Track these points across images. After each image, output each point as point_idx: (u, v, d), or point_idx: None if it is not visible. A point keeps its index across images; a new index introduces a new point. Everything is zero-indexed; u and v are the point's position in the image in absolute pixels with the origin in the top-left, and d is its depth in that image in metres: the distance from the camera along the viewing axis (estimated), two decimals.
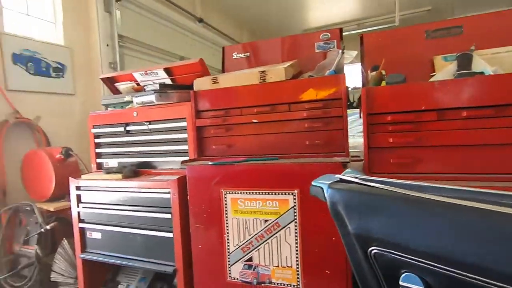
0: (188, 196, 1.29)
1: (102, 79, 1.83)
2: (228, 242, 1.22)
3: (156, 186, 1.36)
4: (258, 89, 1.31)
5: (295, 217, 1.13)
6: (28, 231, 1.97)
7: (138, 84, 1.80)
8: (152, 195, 1.39)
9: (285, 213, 1.14)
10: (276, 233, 1.15)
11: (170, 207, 1.34)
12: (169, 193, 1.33)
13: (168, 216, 1.34)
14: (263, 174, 1.16)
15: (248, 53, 1.71)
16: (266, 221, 1.16)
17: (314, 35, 1.61)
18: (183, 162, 1.33)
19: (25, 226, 2.02)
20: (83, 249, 1.58)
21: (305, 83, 1.25)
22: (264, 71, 1.30)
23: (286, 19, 5.63)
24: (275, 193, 1.14)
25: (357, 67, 1.57)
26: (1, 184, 2.09)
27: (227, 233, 1.22)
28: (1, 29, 2.26)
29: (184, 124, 1.46)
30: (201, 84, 1.41)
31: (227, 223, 1.22)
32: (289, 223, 1.13)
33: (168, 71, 1.66)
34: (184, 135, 1.46)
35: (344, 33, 1.60)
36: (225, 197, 1.22)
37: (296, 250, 1.13)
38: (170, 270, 1.33)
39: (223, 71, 1.77)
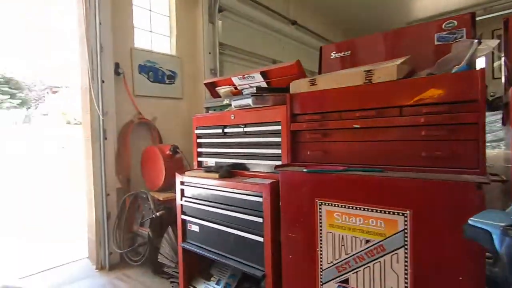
0: (280, 202, 1.25)
1: (205, 84, 1.98)
2: (321, 258, 1.12)
3: (248, 188, 1.38)
4: (362, 91, 1.17)
5: (406, 243, 0.94)
6: (143, 215, 2.32)
7: (236, 88, 1.88)
8: (245, 197, 1.41)
9: (392, 236, 0.97)
10: (380, 257, 0.99)
11: (262, 211, 1.33)
12: (261, 197, 1.33)
13: (260, 220, 1.33)
14: (367, 188, 1.02)
15: (349, 52, 1.56)
16: (367, 241, 1.02)
17: (432, 25, 1.35)
18: (276, 167, 1.30)
19: (141, 211, 2.38)
20: (184, 238, 1.74)
21: (424, 82, 1.04)
22: (371, 70, 1.15)
23: (385, 13, 5.08)
24: (381, 211, 0.99)
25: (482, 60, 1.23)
26: (127, 173, 2.52)
27: (321, 247, 1.12)
28: (132, 45, 2.74)
29: (278, 127, 1.43)
30: (298, 86, 1.35)
31: (321, 237, 1.12)
32: (397, 248, 0.96)
33: (264, 74, 1.67)
34: (278, 139, 1.43)
35: None
36: (320, 208, 1.12)
37: (406, 283, 0.95)
38: (259, 275, 1.32)
39: (319, 72, 1.67)
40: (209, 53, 3.23)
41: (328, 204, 1.10)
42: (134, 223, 2.41)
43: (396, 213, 0.96)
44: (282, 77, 1.62)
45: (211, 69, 3.24)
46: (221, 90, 1.96)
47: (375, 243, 1.00)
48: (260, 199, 1.33)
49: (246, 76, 1.74)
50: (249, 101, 1.44)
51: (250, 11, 3.70)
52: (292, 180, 1.21)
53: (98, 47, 2.36)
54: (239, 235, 1.45)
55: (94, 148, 2.36)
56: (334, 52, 1.60)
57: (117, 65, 2.53)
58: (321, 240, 1.13)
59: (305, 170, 1.16)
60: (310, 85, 1.31)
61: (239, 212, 1.45)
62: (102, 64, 2.38)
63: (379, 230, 0.99)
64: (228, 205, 1.51)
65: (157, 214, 2.14)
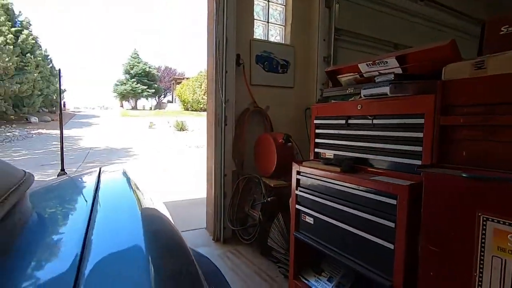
0: (422, 209, 1.07)
1: (327, 71, 1.89)
2: (479, 285, 0.90)
3: (379, 187, 1.24)
4: None
5: None
6: (254, 198, 2.46)
7: (361, 76, 1.72)
8: (372, 196, 1.28)
9: None
10: None
11: (394, 215, 1.17)
12: (395, 198, 1.17)
13: (390, 224, 1.18)
14: None
15: None
16: None
17: None
18: (419, 167, 1.11)
19: (252, 194, 2.53)
20: (297, 228, 1.74)
21: None
22: None
23: None
24: None
25: None
26: (242, 157, 2.71)
27: (480, 274, 0.90)
28: (252, 37, 2.88)
29: (419, 121, 1.22)
30: (456, 71, 1.11)
31: (481, 261, 0.90)
32: None
33: (401, 59, 1.45)
34: (418, 134, 1.22)
35: None
36: (484, 225, 0.90)
37: None
38: (386, 285, 1.19)
39: (479, 53, 1.33)
40: (324, 40, 3.10)
41: (498, 221, 0.87)
42: (245, 204, 2.59)
43: None
44: (425, 62, 1.37)
45: (324, 57, 3.10)
46: (344, 78, 1.83)
47: None
48: (393, 201, 1.18)
49: (377, 61, 1.55)
50: (385, 89, 1.27)
51: None
52: (443, 186, 1.00)
53: (224, 40, 2.57)
54: (361, 236, 1.34)
55: (216, 133, 2.62)
56: (508, 27, 1.24)
57: (238, 56, 2.71)
58: (481, 265, 0.90)
59: (464, 175, 0.94)
60: (475, 69, 1.05)
61: (363, 211, 1.33)
62: (226, 56, 2.59)
63: None
64: (349, 201, 1.40)
65: (268, 199, 2.23)
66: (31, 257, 0.40)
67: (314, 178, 1.62)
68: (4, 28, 15.28)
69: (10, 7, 16.90)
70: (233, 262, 2.25)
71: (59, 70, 1.39)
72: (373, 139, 1.45)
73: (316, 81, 3.10)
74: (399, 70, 1.49)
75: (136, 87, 36.28)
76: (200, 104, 27.46)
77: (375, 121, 1.43)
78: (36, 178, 0.56)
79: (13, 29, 16.32)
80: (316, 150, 1.80)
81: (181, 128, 15.86)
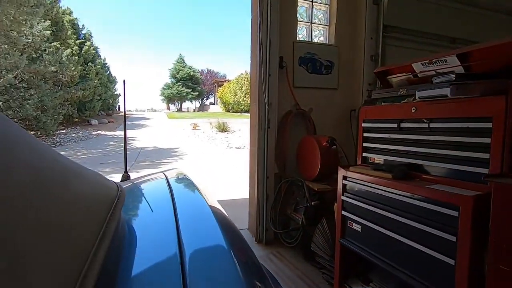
0: (490, 223, 0.96)
1: (376, 72, 1.81)
2: None
3: (438, 197, 1.15)
4: None
5: None
6: (297, 202, 2.44)
7: (415, 76, 1.61)
8: (429, 205, 1.19)
9: None
10: None
11: (455, 228, 1.08)
12: (456, 210, 1.07)
13: (451, 238, 1.09)
14: None
15: None
16: None
17: None
18: (487, 176, 1.01)
19: (295, 197, 2.51)
20: (343, 235, 1.69)
21: None
22: None
23: None
24: None
25: None
26: (284, 160, 2.71)
27: None
28: (295, 38, 2.86)
29: (487, 125, 1.10)
30: None
31: None
32: None
33: (463, 56, 1.33)
34: (485, 140, 1.11)
35: None
36: None
37: None
38: None
39: None
40: (371, 38, 2.95)
41: None
42: (287, 207, 2.58)
43: None
44: (493, 59, 1.24)
45: (371, 56, 2.96)
46: (395, 78, 1.73)
47: None
48: (454, 213, 1.08)
49: (434, 60, 1.44)
50: (445, 91, 1.17)
51: None
52: None
53: (268, 44, 2.60)
54: (415, 248, 1.25)
55: (260, 135, 2.65)
56: None
57: (281, 59, 2.72)
58: None
59: None
60: None
61: (418, 221, 1.24)
62: (270, 58, 2.61)
63: None
64: (402, 210, 1.32)
65: (312, 203, 2.19)
66: (138, 262, 0.46)
67: (362, 184, 1.56)
68: (71, 41, 17.24)
69: (76, 22, 19.02)
70: (276, 264, 2.26)
71: (124, 81, 1.51)
72: (430, 144, 1.35)
73: (362, 81, 2.97)
74: (460, 69, 1.36)
75: (181, 91, 38.35)
76: (241, 106, 28.04)
77: (432, 125, 1.33)
78: None
79: (77, 41, 18.34)
80: (364, 154, 1.72)
81: (223, 129, 16.34)
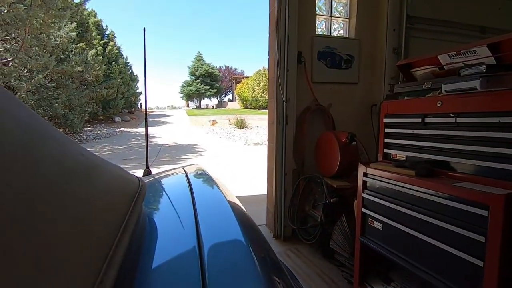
0: None
1: (398, 65, 1.74)
2: None
3: (466, 196, 1.09)
4: None
5: None
6: (316, 199, 2.41)
7: (440, 68, 1.53)
8: (456, 204, 1.13)
9: None
10: None
11: (484, 228, 1.02)
12: (485, 209, 1.02)
13: (479, 238, 1.04)
14: None
15: None
16: None
17: None
18: None
19: (314, 194, 2.48)
20: (363, 233, 1.65)
21: None
22: None
23: None
24: None
25: None
26: (302, 156, 2.69)
27: None
28: (313, 33, 2.81)
29: None
30: None
31: None
32: None
33: (495, 47, 1.25)
34: None
35: None
36: None
37: None
38: None
39: None
40: (393, 30, 2.84)
41: None
42: (306, 204, 2.56)
43: None
44: None
45: (394, 48, 2.85)
46: (419, 71, 1.66)
47: None
48: (483, 212, 1.03)
49: (462, 51, 1.37)
50: (474, 83, 1.11)
51: None
52: None
53: (286, 40, 2.57)
54: (439, 247, 1.20)
55: (277, 131, 2.64)
56: None
57: (299, 54, 2.68)
58: None
59: None
60: None
61: (443, 220, 1.19)
62: (288, 54, 2.58)
63: None
64: (426, 209, 1.27)
65: (331, 200, 2.16)
66: (158, 254, 0.48)
67: (384, 181, 1.51)
68: (95, 42, 17.93)
69: (100, 23, 19.73)
70: (294, 261, 2.25)
71: (145, 88, 1.57)
72: (457, 140, 1.28)
73: (383, 75, 2.87)
74: (491, 60, 1.28)
75: (200, 88, 38.90)
76: (259, 102, 28.03)
77: (459, 120, 1.26)
78: None
79: (101, 41, 19.03)
80: (386, 150, 1.67)
81: (241, 125, 16.43)
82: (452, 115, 1.29)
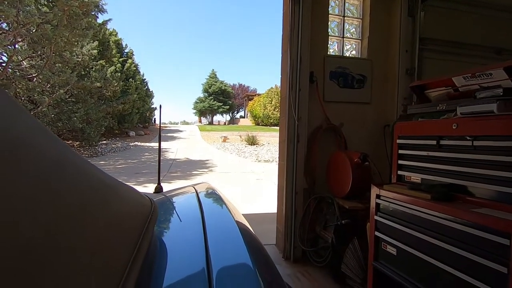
0: None
1: (412, 87, 1.73)
2: None
3: (486, 222, 1.05)
4: None
5: None
6: (327, 220, 2.36)
7: (455, 90, 1.52)
8: (475, 231, 1.09)
9: None
10: None
11: (506, 259, 0.97)
12: (507, 238, 0.97)
13: (502, 269, 0.98)
14: None
15: None
16: None
17: None
18: None
19: (324, 214, 2.43)
20: (376, 257, 1.59)
21: None
22: None
23: None
24: None
25: None
26: (313, 175, 2.66)
27: None
28: (326, 53, 2.85)
29: None
30: None
31: None
32: None
33: (511, 70, 1.23)
34: None
35: None
36: None
37: None
38: None
39: None
40: (406, 51, 2.85)
41: None
42: (316, 224, 2.50)
43: None
44: None
45: (407, 69, 2.85)
46: (433, 93, 1.65)
47: None
48: (504, 241, 0.98)
49: (478, 74, 1.35)
50: (491, 106, 1.09)
51: None
52: None
53: (298, 60, 2.61)
54: (458, 276, 1.14)
55: (289, 150, 2.64)
56: None
57: (311, 74, 2.71)
58: None
59: None
60: None
61: (461, 248, 1.14)
62: (300, 74, 2.62)
63: None
64: (443, 235, 1.22)
65: (343, 222, 2.11)
66: (168, 276, 0.48)
67: (398, 204, 1.47)
68: (115, 59, 18.75)
69: (120, 42, 20.70)
70: (303, 284, 2.18)
71: (160, 105, 1.65)
72: (474, 163, 1.25)
73: (396, 96, 2.86)
74: (508, 83, 1.26)
75: (213, 104, 39.65)
76: (270, 119, 28.22)
77: (476, 143, 1.23)
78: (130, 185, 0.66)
79: (121, 59, 19.88)
80: (399, 172, 1.64)
81: (252, 142, 16.48)
82: (468, 138, 1.26)
